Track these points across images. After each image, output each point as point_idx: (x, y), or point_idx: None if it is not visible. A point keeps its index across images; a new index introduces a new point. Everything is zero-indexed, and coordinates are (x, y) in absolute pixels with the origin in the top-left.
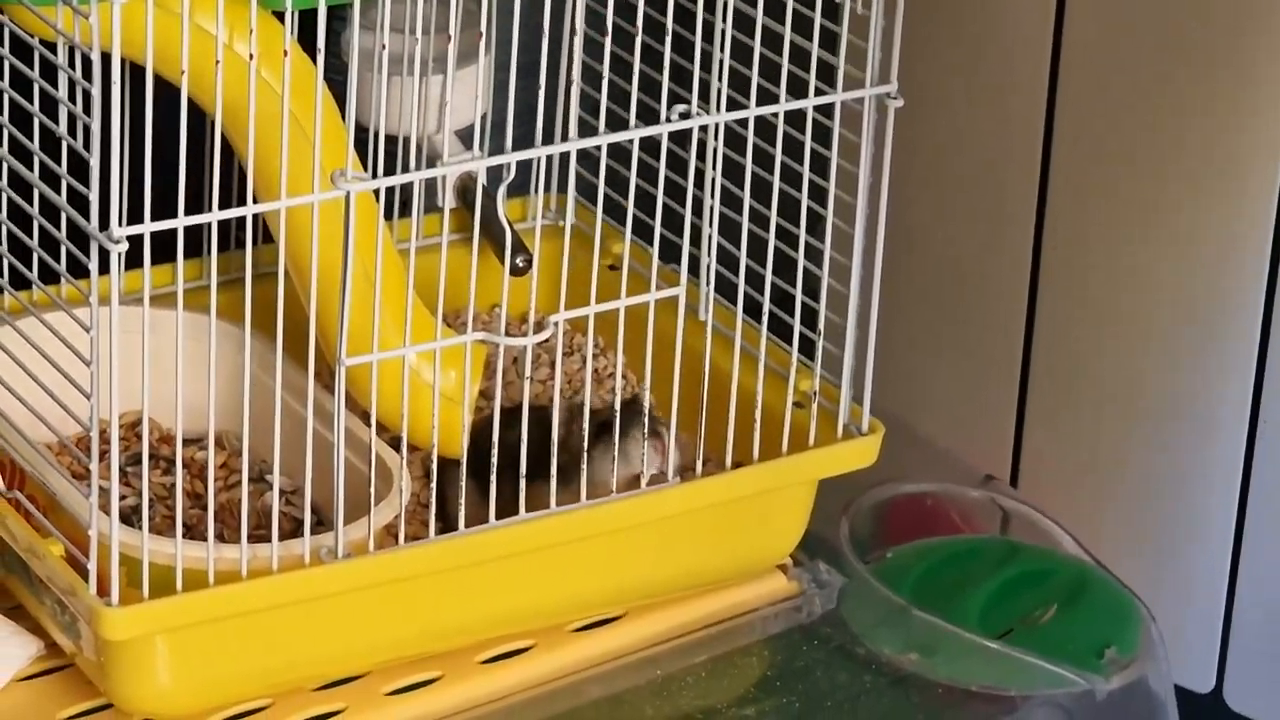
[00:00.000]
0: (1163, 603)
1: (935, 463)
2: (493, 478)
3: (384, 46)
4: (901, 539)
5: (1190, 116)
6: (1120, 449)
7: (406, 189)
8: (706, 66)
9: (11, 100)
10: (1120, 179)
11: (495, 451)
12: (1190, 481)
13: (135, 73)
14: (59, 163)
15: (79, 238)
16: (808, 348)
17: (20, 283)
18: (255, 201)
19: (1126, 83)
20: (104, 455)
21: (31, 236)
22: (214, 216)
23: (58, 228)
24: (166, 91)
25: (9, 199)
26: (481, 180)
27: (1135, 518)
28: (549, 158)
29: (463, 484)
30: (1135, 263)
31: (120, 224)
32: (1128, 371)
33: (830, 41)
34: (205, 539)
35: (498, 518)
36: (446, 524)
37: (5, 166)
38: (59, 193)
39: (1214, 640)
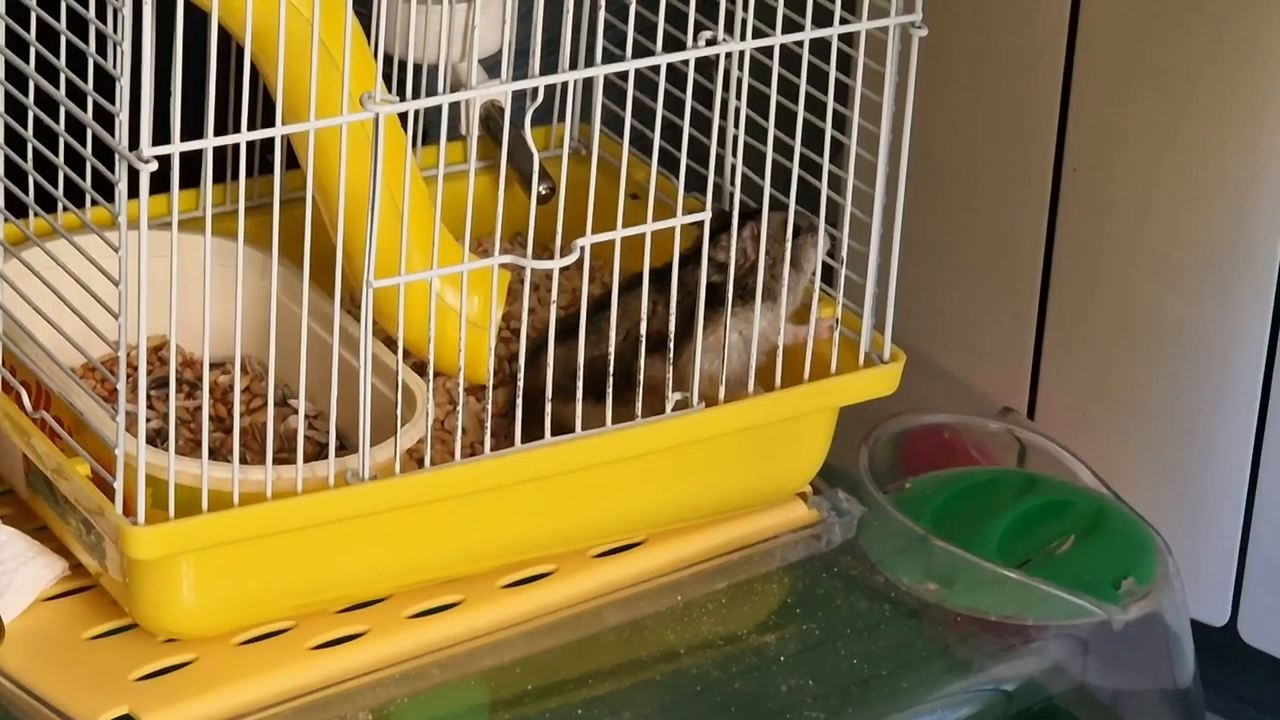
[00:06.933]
0: (1178, 536)
1: (953, 394)
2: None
3: None
4: (919, 470)
5: (1213, 46)
6: (1137, 382)
7: (426, 119)
8: None
9: (38, 19)
10: (1141, 110)
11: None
12: (1206, 415)
13: None
14: (85, 83)
15: (103, 160)
16: (829, 276)
17: (44, 205)
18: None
19: (1148, 11)
20: (128, 378)
21: (57, 156)
22: (244, 137)
23: (84, 147)
24: (190, 12)
25: (35, 119)
26: (507, 107)
27: (1151, 451)
28: (573, 85)
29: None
30: (1154, 194)
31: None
32: (1145, 304)
33: None
34: (228, 462)
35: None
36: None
37: (32, 85)
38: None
39: (1229, 574)
